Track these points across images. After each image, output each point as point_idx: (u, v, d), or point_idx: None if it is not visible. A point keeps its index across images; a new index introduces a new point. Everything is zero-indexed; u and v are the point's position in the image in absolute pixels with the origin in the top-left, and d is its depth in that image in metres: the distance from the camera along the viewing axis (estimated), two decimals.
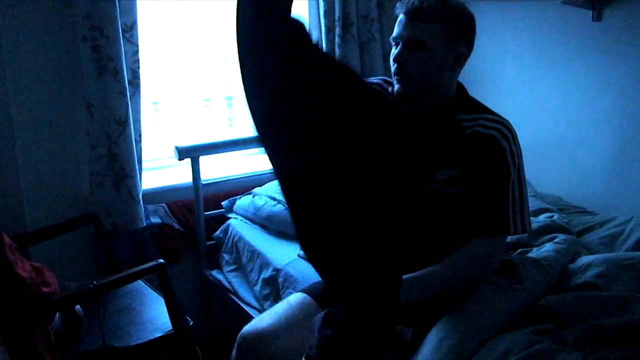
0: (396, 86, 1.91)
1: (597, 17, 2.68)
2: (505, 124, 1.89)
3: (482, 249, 1.87)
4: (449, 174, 1.88)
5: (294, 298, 2.02)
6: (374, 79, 2.13)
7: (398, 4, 1.91)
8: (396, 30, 1.90)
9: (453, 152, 1.89)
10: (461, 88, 2.01)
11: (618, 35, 2.65)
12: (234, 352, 1.91)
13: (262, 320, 1.95)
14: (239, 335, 1.92)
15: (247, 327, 1.93)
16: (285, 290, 2.50)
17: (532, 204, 2.58)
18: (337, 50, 3.35)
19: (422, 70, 1.87)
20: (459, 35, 1.88)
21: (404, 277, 1.75)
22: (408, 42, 1.86)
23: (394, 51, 1.91)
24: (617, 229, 2.40)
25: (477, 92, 3.40)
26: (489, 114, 1.92)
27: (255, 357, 1.84)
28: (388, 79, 2.07)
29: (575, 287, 1.99)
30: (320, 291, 2.02)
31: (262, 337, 1.86)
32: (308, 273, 2.43)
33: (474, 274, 1.88)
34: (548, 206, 2.59)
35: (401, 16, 1.88)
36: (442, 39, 1.85)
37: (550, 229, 2.33)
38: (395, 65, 1.90)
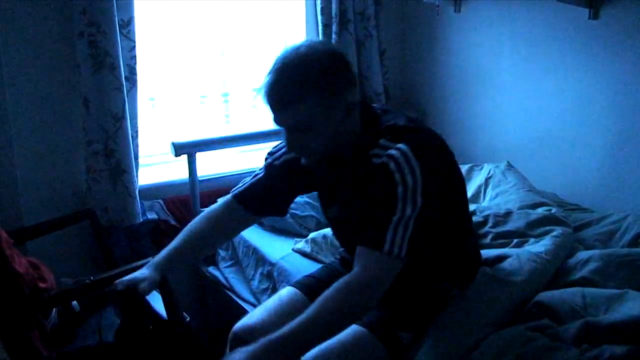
0: (303, 161, 1.80)
1: (594, 16, 2.69)
2: (401, 149, 1.65)
3: (356, 266, 1.64)
4: None
5: (285, 292, 2.03)
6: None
7: (258, 90, 1.72)
8: (272, 116, 1.73)
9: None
10: (368, 116, 1.80)
11: (614, 34, 2.65)
12: (227, 349, 1.92)
13: (252, 316, 1.96)
14: (231, 331, 1.94)
15: (238, 324, 1.94)
16: (281, 284, 2.52)
17: (530, 198, 2.59)
18: None
19: (318, 142, 1.71)
20: (336, 90, 1.68)
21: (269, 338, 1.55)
22: (289, 128, 1.71)
23: (284, 133, 1.75)
24: (613, 226, 2.40)
25: (474, 89, 3.42)
26: (387, 136, 1.71)
27: None
28: None
29: (573, 283, 2.00)
30: (311, 284, 2.03)
31: (253, 332, 1.85)
32: (302, 267, 2.45)
33: (350, 298, 1.60)
34: (546, 200, 2.60)
35: (264, 101, 1.70)
36: (320, 107, 1.66)
37: (548, 220, 2.34)
38: (292, 150, 1.78)
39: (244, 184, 2.05)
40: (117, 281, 1.88)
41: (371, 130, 1.76)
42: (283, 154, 1.97)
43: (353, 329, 1.77)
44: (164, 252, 1.99)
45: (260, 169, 2.03)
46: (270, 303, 2.00)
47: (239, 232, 2.04)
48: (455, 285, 1.92)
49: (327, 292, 1.60)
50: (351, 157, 1.78)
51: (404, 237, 1.62)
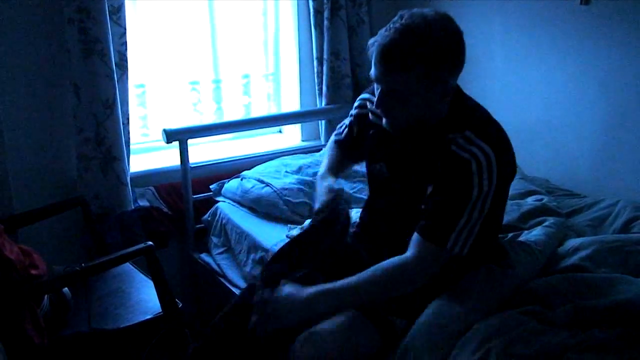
0: (385, 122, 1.83)
1: (585, 1, 2.68)
2: (485, 152, 1.70)
3: (415, 252, 1.75)
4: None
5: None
6: (365, 96, 2.05)
7: (371, 40, 1.73)
8: (373, 71, 1.74)
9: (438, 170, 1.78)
10: (457, 99, 1.82)
11: (605, 20, 2.65)
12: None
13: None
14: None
15: None
16: None
17: (521, 186, 2.59)
18: (325, 33, 3.34)
19: (408, 113, 1.76)
20: (446, 71, 1.71)
21: (329, 286, 1.75)
22: (386, 90, 1.74)
23: (376, 92, 1.78)
24: (605, 212, 2.41)
25: (465, 76, 3.40)
26: (473, 129, 1.74)
27: None
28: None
29: (563, 270, 2.01)
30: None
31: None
32: None
33: (399, 278, 1.76)
34: (537, 189, 2.60)
35: (375, 56, 1.70)
36: (426, 83, 1.69)
37: (540, 211, 2.34)
38: (380, 109, 1.80)
39: (340, 130, 2.22)
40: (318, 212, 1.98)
41: (456, 115, 1.79)
42: (357, 107, 2.10)
43: (348, 312, 1.78)
44: (326, 167, 2.17)
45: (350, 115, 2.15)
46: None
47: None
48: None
49: (385, 265, 1.75)
50: (430, 134, 1.80)
51: (468, 238, 1.74)
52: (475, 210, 1.71)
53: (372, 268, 1.75)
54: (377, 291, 1.77)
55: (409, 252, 1.75)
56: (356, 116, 2.10)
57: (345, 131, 2.18)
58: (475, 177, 1.68)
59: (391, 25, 1.69)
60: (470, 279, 1.89)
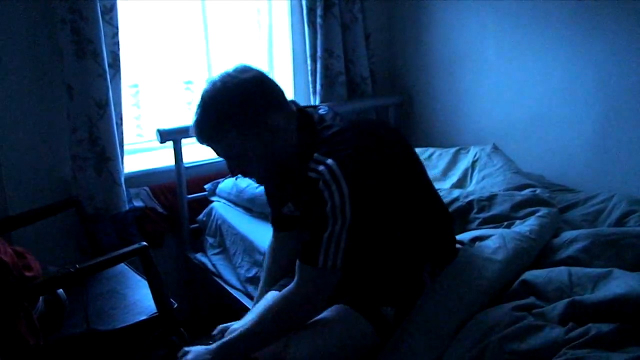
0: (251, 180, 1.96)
1: None
2: (328, 166, 1.68)
3: (298, 277, 1.76)
4: None
5: (270, 296, 2.01)
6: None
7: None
8: None
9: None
10: (306, 127, 1.84)
11: (600, 13, 2.65)
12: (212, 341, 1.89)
13: (242, 320, 1.95)
14: (217, 326, 1.97)
15: (228, 324, 1.95)
16: None
17: (516, 180, 2.59)
18: (318, 30, 3.33)
19: (256, 165, 1.82)
20: (255, 119, 1.75)
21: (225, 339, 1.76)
22: (224, 157, 1.85)
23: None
24: (600, 206, 2.41)
25: (459, 72, 3.42)
26: (321, 149, 1.74)
27: None
28: None
29: (559, 262, 2.01)
30: None
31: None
32: None
33: (291, 310, 1.76)
34: (532, 182, 2.60)
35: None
36: (242, 138, 1.76)
37: (533, 202, 2.33)
38: (233, 174, 1.93)
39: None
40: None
41: (308, 142, 1.81)
42: None
43: (336, 308, 1.79)
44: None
45: None
46: (259, 307, 1.99)
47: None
48: (435, 264, 1.91)
49: (271, 304, 1.78)
50: (292, 169, 1.84)
51: (337, 250, 1.71)
52: (336, 224, 1.69)
53: (263, 310, 1.79)
54: (276, 330, 1.76)
55: (294, 280, 1.77)
56: None
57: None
58: (325, 192, 1.68)
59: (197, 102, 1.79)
60: (460, 268, 1.90)
